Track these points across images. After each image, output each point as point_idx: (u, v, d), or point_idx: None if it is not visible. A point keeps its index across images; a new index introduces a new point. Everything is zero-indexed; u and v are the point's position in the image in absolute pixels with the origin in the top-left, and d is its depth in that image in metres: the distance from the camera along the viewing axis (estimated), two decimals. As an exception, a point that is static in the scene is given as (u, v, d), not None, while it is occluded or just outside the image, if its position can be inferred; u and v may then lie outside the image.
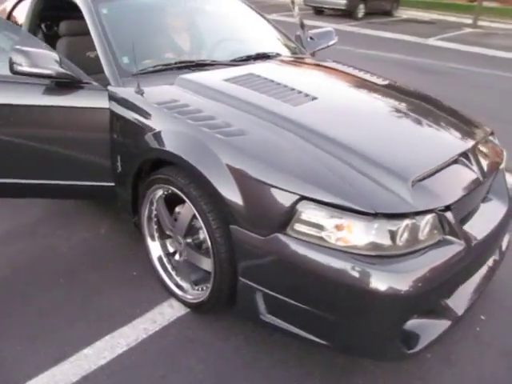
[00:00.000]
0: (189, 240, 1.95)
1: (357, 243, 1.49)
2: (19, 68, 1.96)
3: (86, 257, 2.41)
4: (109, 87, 2.13)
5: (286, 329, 1.65)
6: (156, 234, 2.15)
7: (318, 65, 2.59)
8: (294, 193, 1.52)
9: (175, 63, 2.29)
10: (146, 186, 2.01)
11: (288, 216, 1.54)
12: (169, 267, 2.14)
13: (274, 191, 1.56)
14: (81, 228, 2.66)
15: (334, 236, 1.51)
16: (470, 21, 13.04)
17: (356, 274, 1.47)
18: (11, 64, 1.95)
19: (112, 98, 2.10)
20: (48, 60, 2.00)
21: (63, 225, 2.68)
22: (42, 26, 3.10)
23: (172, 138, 1.81)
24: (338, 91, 2.22)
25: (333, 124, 1.82)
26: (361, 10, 12.86)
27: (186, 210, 1.87)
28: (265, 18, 3.10)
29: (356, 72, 2.48)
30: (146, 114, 1.96)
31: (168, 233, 2.05)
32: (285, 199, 1.54)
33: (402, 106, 2.10)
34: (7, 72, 2.14)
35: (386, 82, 2.41)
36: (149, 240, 2.16)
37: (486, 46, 9.83)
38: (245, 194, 1.60)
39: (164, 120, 1.88)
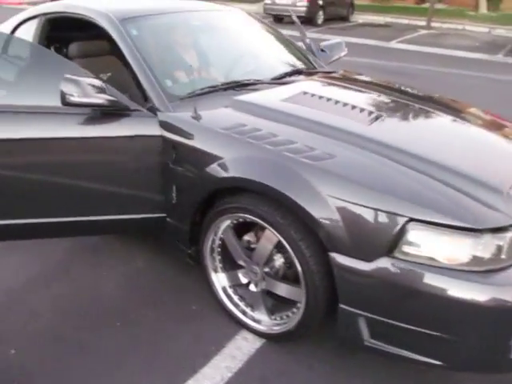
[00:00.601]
0: (267, 269, 1.87)
1: (465, 260, 1.48)
2: (72, 99, 1.82)
3: (133, 294, 2.26)
4: (158, 113, 2.02)
5: (393, 352, 1.61)
6: (219, 266, 2.05)
7: (358, 79, 2.60)
8: (401, 215, 1.49)
9: (222, 84, 2.20)
10: (212, 216, 1.91)
11: (395, 239, 1.51)
12: (235, 298, 2.05)
13: (378, 214, 1.52)
14: (117, 263, 2.49)
15: (442, 255, 1.49)
16: (422, 23, 13.66)
17: (467, 291, 1.46)
18: (63, 95, 1.81)
19: (164, 124, 1.99)
20: (97, 88, 1.87)
21: (96, 262, 2.50)
22: (51, 48, 2.90)
23: (252, 165, 1.73)
24: (394, 106, 2.21)
25: (413, 141, 1.81)
26: (320, 17, 13.14)
27: (266, 239, 1.80)
28: (279, 32, 3.07)
29: (393, 85, 2.50)
30: (211, 141, 1.86)
31: (241, 263, 1.96)
32: (391, 222, 1.50)
33: (458, 116, 2.14)
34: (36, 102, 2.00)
35: (428, 94, 2.45)
36: (212, 272, 2.06)
37: (443, 47, 10.33)
38: (345, 219, 1.55)
39: (236, 146, 1.79)
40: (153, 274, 2.40)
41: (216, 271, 2.06)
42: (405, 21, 14.72)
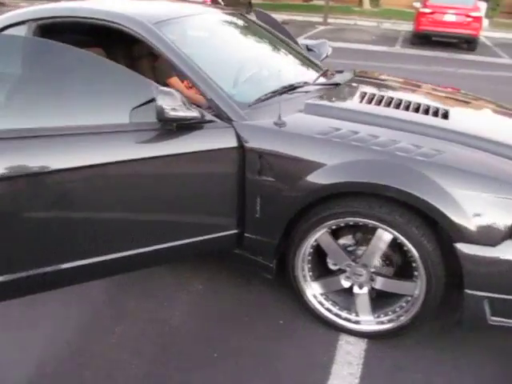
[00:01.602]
0: (373, 269, 1.88)
1: None
2: (172, 113, 1.64)
3: (209, 320, 2.09)
4: (234, 123, 1.89)
5: (517, 325, 1.75)
6: (308, 274, 2.00)
7: (391, 79, 2.76)
8: None
9: (282, 88, 2.13)
10: (310, 225, 1.86)
11: None
12: (328, 304, 2.02)
13: (498, 201, 1.63)
14: (174, 291, 2.25)
15: None
16: (316, 19, 14.46)
17: None
18: (160, 109, 1.61)
19: (244, 134, 1.87)
20: (185, 100, 1.70)
21: (150, 294, 2.23)
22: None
23: (366, 168, 1.71)
24: (451, 103, 2.34)
25: (492, 131, 1.95)
26: (224, 16, 13.18)
27: (378, 239, 1.80)
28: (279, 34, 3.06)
29: (430, 85, 2.69)
30: (308, 148, 1.80)
31: (343, 267, 1.93)
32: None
33: (493, 108, 2.37)
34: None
35: (456, 91, 2.68)
36: (302, 281, 2.01)
37: (347, 41, 11.06)
38: (469, 209, 1.63)
39: (341, 151, 1.76)
40: (218, 296, 2.24)
41: (306, 280, 2.01)
42: (299, 17, 15.40)
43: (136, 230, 1.88)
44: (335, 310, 2.02)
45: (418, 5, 12.45)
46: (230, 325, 2.06)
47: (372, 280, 1.90)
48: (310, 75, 2.48)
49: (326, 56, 3.42)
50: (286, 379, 1.80)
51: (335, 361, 1.88)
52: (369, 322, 1.96)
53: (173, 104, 1.64)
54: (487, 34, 12.84)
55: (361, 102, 2.08)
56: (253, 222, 1.97)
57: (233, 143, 1.87)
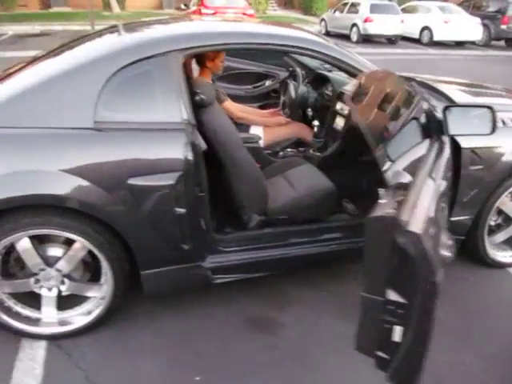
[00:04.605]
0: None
1: None
2: None
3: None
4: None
5: None
6: (485, 234, 2.58)
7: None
8: None
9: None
10: (499, 193, 2.44)
11: None
12: (493, 251, 2.66)
13: None
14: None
15: None
16: (79, 27, 13.45)
17: None
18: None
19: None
20: None
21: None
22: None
23: None
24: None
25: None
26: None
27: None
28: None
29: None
30: (499, 136, 2.28)
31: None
32: None
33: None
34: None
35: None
36: (486, 242, 2.58)
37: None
38: None
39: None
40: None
41: (486, 240, 2.59)
42: (57, 27, 13.98)
43: None
44: (497, 253, 2.69)
45: (183, 6, 13.29)
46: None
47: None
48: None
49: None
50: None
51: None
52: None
53: None
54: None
55: (470, 96, 2.71)
56: (460, 206, 2.38)
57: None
